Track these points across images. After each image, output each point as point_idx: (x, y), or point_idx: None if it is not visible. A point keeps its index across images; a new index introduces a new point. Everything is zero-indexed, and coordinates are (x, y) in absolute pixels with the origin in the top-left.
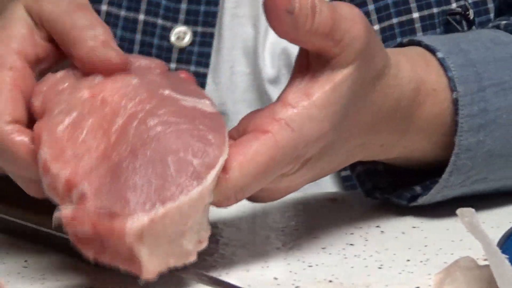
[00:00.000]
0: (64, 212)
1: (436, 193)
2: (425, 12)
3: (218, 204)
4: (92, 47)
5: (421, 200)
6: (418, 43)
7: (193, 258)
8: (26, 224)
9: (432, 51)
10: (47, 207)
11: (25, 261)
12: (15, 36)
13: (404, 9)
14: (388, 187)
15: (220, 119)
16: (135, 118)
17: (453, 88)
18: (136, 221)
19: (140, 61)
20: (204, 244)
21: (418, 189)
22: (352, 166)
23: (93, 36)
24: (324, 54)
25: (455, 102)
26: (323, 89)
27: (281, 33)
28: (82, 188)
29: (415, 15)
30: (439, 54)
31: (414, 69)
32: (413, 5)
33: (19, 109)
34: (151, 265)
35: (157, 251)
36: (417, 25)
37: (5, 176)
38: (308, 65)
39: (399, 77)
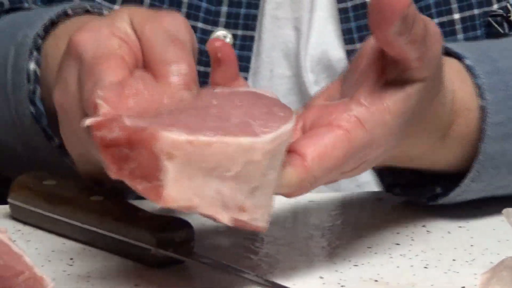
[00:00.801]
0: (95, 117)
1: (456, 196)
2: (466, 13)
3: (292, 192)
4: (174, 84)
5: (441, 201)
6: (446, 50)
7: (224, 219)
8: (72, 223)
9: (460, 58)
10: (96, 206)
11: (71, 259)
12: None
13: (446, 9)
14: (408, 184)
15: (287, 107)
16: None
17: (481, 96)
18: (171, 135)
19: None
20: (245, 216)
21: (438, 189)
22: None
23: (177, 70)
24: (403, 64)
25: (482, 110)
26: (397, 96)
27: (380, 34)
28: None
29: (456, 16)
30: (467, 61)
31: (452, 87)
32: (454, 6)
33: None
34: (172, 190)
35: (184, 180)
36: (458, 26)
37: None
38: (383, 69)
39: (444, 94)
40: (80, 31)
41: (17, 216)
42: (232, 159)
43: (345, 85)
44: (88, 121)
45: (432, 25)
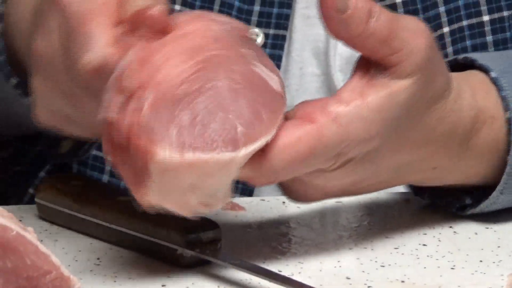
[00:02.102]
0: (110, 114)
1: (484, 208)
2: (495, 15)
3: (249, 179)
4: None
5: (469, 212)
6: (472, 62)
7: (187, 213)
8: (100, 222)
9: (485, 70)
10: (123, 206)
11: (98, 258)
12: None
13: (475, 11)
14: (437, 191)
15: (282, 100)
16: (208, 62)
17: (506, 108)
18: (168, 155)
19: (221, 17)
20: (207, 210)
21: (467, 200)
22: None
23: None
24: (382, 61)
25: (508, 122)
26: (378, 93)
27: (333, 32)
28: (145, 96)
29: (485, 18)
30: (493, 74)
31: (474, 97)
32: (483, 7)
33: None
34: (153, 197)
35: (166, 191)
36: (487, 28)
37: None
38: (368, 69)
39: (459, 103)
40: None
41: (44, 216)
42: (208, 174)
43: None
44: (104, 115)
45: (411, 21)
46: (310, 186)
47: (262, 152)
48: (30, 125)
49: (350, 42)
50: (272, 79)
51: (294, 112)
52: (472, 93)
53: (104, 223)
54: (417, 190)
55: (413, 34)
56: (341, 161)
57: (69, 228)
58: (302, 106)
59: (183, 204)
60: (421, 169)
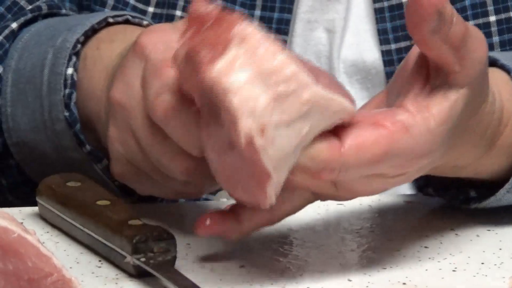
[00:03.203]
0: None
1: (489, 203)
2: (502, 16)
3: (317, 171)
4: None
5: (474, 206)
6: (494, 61)
7: (242, 128)
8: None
9: (507, 71)
10: (95, 210)
11: (99, 261)
12: None
13: (482, 11)
14: (441, 184)
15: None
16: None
17: None
18: (252, 28)
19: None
20: (260, 141)
21: (472, 193)
22: None
23: None
24: (445, 68)
25: None
26: (442, 105)
27: (417, 33)
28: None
29: (492, 18)
30: None
31: (500, 97)
32: (490, 8)
33: None
34: (223, 66)
35: (236, 66)
36: (493, 28)
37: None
38: (427, 76)
39: (493, 105)
40: (148, 32)
41: (44, 216)
42: (285, 78)
43: (391, 95)
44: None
45: (475, 30)
46: (360, 189)
47: (339, 147)
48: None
49: (424, 41)
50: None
51: (361, 119)
52: (499, 94)
53: (79, 226)
54: (421, 185)
55: (477, 43)
56: (401, 171)
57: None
58: (368, 113)
59: (246, 92)
60: (442, 167)
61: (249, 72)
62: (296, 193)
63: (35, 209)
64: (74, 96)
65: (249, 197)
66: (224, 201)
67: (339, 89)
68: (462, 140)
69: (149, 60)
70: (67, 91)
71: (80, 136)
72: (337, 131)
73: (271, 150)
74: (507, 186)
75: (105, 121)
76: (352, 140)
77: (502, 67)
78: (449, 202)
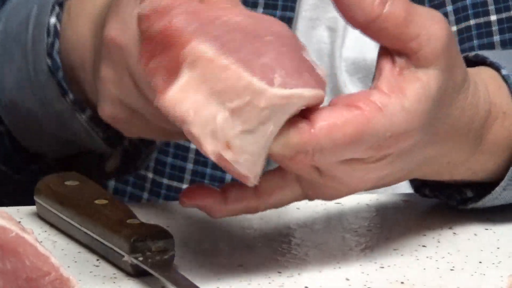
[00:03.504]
0: (149, 5)
1: (486, 202)
2: (503, 15)
3: (290, 155)
4: None
5: (471, 206)
6: (483, 59)
7: (208, 148)
8: (74, 224)
9: (496, 68)
10: (92, 209)
11: (97, 260)
12: None
13: (482, 11)
14: (437, 185)
15: (324, 83)
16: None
17: None
18: (201, 47)
19: None
20: (229, 155)
21: (469, 193)
22: None
23: None
24: (403, 50)
25: None
26: (414, 86)
27: (348, 18)
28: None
29: (493, 17)
30: (504, 72)
31: (487, 92)
32: (491, 7)
33: None
34: (177, 93)
35: (191, 91)
36: (494, 27)
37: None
38: (393, 61)
39: (476, 96)
40: None
41: (42, 215)
42: (238, 92)
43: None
44: (142, 9)
45: (423, 7)
46: (346, 180)
47: (310, 128)
48: (83, 143)
49: (366, 28)
50: (317, 67)
51: (336, 101)
52: (485, 88)
53: (77, 225)
54: (418, 186)
55: (430, 21)
56: (381, 154)
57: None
58: (343, 96)
59: (203, 116)
60: (437, 163)
61: (202, 94)
62: (286, 188)
63: (33, 208)
64: (56, 45)
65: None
66: None
67: (303, 73)
68: (447, 131)
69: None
70: (49, 40)
71: (63, 84)
72: (309, 114)
73: (241, 159)
74: (502, 183)
75: (90, 68)
76: (323, 120)
77: (491, 65)
78: (446, 203)
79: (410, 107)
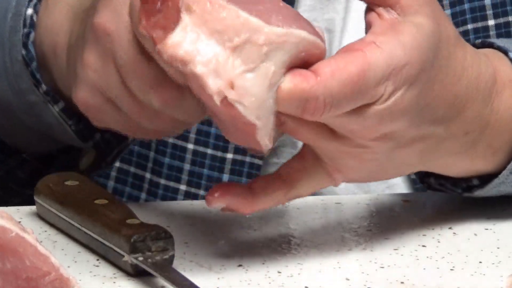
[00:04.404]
0: None
1: (492, 188)
2: (501, 20)
3: (299, 105)
4: None
5: (477, 193)
6: (490, 44)
7: (212, 87)
8: (73, 223)
9: (504, 51)
10: (92, 209)
11: (97, 260)
12: None
13: (480, 15)
14: (442, 175)
15: (321, 36)
16: None
17: None
18: None
19: None
20: (232, 94)
21: (475, 180)
22: None
23: None
24: (385, 2)
25: None
26: (406, 25)
27: None
28: None
29: (491, 22)
30: (510, 54)
31: (489, 59)
32: (489, 12)
33: None
34: (177, 36)
35: (192, 33)
36: (492, 32)
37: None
38: (380, 14)
39: (477, 58)
40: None
41: (42, 215)
42: (237, 30)
43: None
44: None
45: None
46: (360, 137)
47: (316, 77)
48: (56, 136)
49: None
50: (315, 25)
51: (335, 54)
52: (486, 56)
53: (76, 225)
54: (422, 176)
55: None
56: (389, 91)
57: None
58: (340, 48)
59: (205, 55)
60: (455, 134)
61: (203, 35)
62: (309, 170)
63: (33, 208)
64: (32, 35)
65: (248, 146)
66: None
67: (299, 22)
68: (451, 83)
69: None
70: (25, 30)
71: (36, 75)
72: (310, 67)
73: (246, 101)
74: (509, 166)
75: (63, 52)
76: (326, 67)
77: (499, 49)
78: (451, 192)
79: (406, 42)
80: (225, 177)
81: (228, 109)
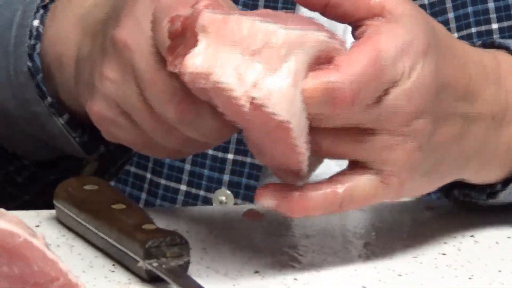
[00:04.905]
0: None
1: None
2: (504, 24)
3: (333, 99)
4: None
5: (502, 196)
6: (492, 44)
7: (238, 93)
8: (91, 228)
9: (506, 47)
10: (109, 214)
11: (113, 265)
12: None
13: (484, 19)
14: (465, 185)
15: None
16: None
17: None
18: (210, 13)
19: None
20: (259, 93)
21: (498, 185)
22: None
23: None
24: (368, 14)
25: None
26: (400, 16)
27: (306, 5)
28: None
29: (494, 25)
30: None
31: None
32: (492, 15)
33: None
34: (196, 57)
35: (210, 51)
36: (496, 36)
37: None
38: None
39: (479, 52)
40: None
41: (61, 220)
42: (254, 37)
43: None
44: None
45: None
46: (393, 119)
47: (335, 68)
48: (60, 146)
49: (324, 12)
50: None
51: None
52: (486, 51)
53: (94, 230)
54: (447, 189)
55: None
56: (409, 66)
57: (76, 232)
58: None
59: (227, 67)
60: (482, 120)
61: (222, 49)
62: (364, 181)
63: (53, 212)
64: (38, 47)
65: (285, 167)
66: (223, 199)
67: (313, 25)
68: (462, 65)
69: (161, 1)
70: (31, 42)
71: (42, 87)
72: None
73: (273, 98)
74: None
75: (70, 62)
76: (343, 58)
77: (500, 46)
78: (476, 200)
79: (405, 23)
80: (226, 177)
81: (257, 112)
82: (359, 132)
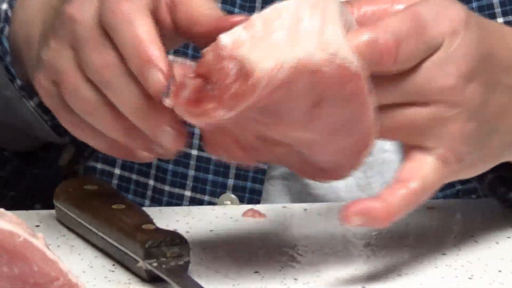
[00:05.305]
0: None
1: None
2: (510, 17)
3: (379, 50)
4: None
5: None
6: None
7: (316, 57)
8: (91, 228)
9: None
10: (109, 214)
11: (113, 265)
12: None
13: (489, 14)
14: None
15: None
16: None
17: None
18: (231, 36)
19: None
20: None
21: None
22: (481, 176)
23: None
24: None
25: None
26: None
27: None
28: None
29: (500, 20)
30: None
31: None
32: (497, 10)
33: None
34: (254, 55)
35: (256, 47)
36: None
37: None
38: None
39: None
40: None
41: (61, 219)
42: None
43: None
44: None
45: None
46: (435, 85)
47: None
48: (33, 132)
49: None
50: None
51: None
52: None
53: (94, 230)
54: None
55: None
56: (450, 28)
57: (76, 232)
58: None
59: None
60: None
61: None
62: (423, 164)
63: (53, 212)
64: (6, 29)
65: (356, 131)
66: (228, 203)
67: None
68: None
69: None
70: (0, 25)
71: (11, 69)
72: None
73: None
74: None
75: (36, 41)
76: (379, 20)
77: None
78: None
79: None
80: (230, 182)
81: (338, 68)
82: (412, 105)
